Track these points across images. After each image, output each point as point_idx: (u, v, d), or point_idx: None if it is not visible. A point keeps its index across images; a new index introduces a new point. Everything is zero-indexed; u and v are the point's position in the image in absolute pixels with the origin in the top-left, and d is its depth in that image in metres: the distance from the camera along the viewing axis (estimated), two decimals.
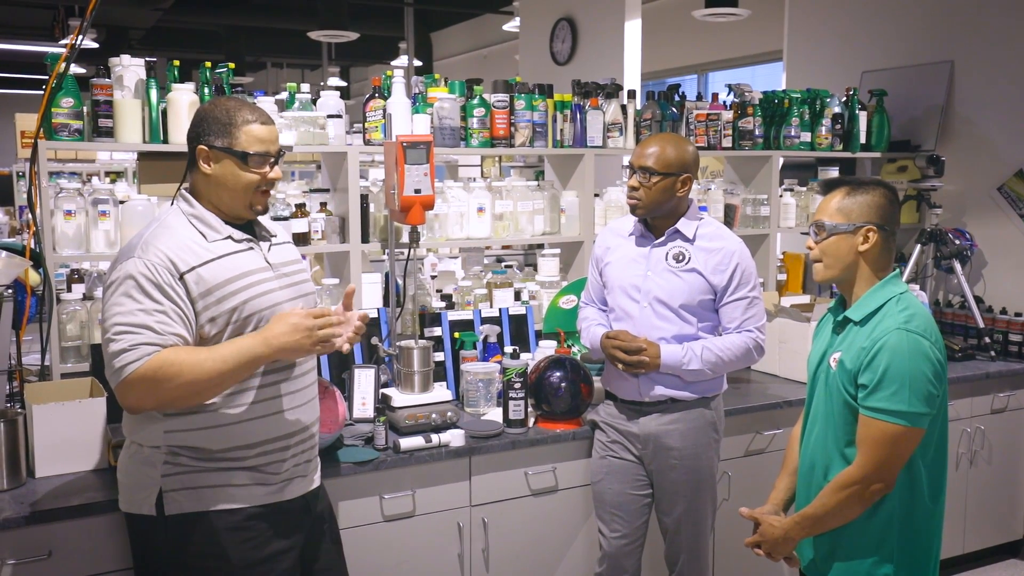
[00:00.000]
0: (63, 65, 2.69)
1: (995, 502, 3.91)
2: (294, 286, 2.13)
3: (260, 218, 2.16)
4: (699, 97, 4.04)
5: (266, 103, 3.03)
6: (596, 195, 3.71)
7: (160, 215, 2.09)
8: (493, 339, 3.20)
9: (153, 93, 2.84)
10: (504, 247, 5.20)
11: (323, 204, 3.35)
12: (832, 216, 2.10)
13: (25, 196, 2.94)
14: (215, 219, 2.04)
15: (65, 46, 2.76)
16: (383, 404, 2.77)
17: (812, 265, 2.18)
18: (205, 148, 2.02)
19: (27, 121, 5.97)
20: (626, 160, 4.11)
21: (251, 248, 2.07)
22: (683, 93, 3.92)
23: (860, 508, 2.03)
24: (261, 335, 1.93)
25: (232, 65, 3.05)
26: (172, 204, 2.09)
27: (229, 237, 2.04)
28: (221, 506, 1.99)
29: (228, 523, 2.00)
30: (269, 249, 2.12)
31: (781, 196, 4.13)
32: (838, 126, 4.21)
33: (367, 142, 3.22)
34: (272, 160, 2.06)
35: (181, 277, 1.94)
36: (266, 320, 2.00)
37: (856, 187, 2.11)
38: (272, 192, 2.15)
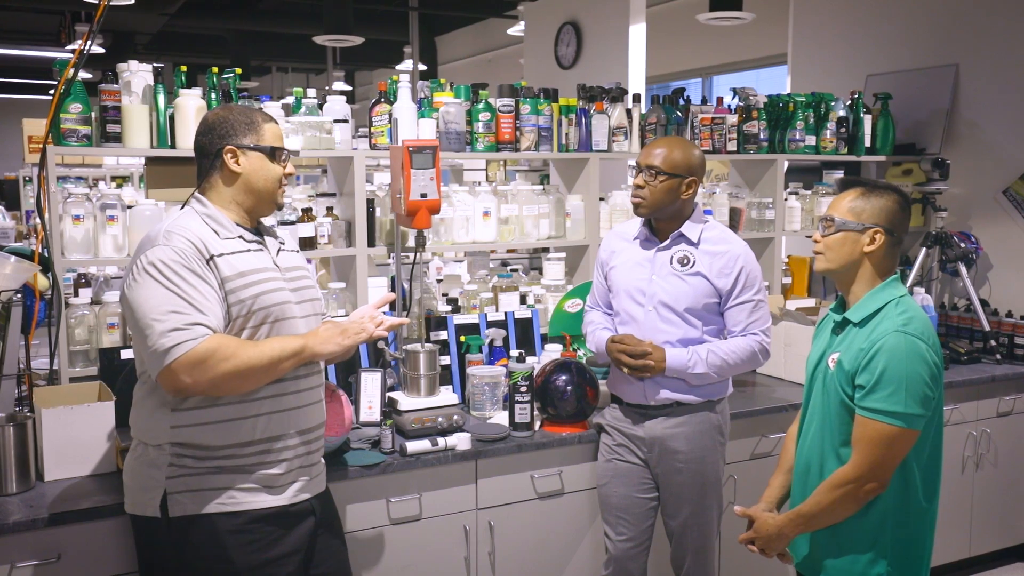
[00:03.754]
0: (71, 71, 2.71)
1: (1001, 505, 3.90)
2: (300, 291, 2.17)
3: (269, 226, 2.24)
4: (704, 101, 4.04)
5: (272, 108, 3.05)
6: (601, 199, 3.72)
7: (172, 215, 2.13)
8: (499, 343, 3.21)
9: (160, 98, 2.85)
10: (509, 251, 5.22)
11: (329, 208, 3.37)
12: (843, 213, 2.14)
13: (32, 201, 2.96)
14: (226, 219, 2.09)
15: (72, 51, 2.78)
16: (389, 408, 2.77)
17: (815, 256, 2.21)
18: (233, 148, 2.09)
19: (34, 126, 5.99)
20: (631, 163, 4.11)
21: (260, 249, 2.13)
22: (688, 97, 3.92)
23: (854, 507, 2.06)
24: (302, 335, 2.09)
25: (239, 70, 3.06)
26: (183, 207, 2.13)
27: (240, 236, 2.09)
28: (224, 509, 2.01)
29: (231, 526, 2.01)
30: (277, 252, 2.17)
31: (786, 199, 4.13)
32: (843, 129, 4.21)
33: (373, 146, 3.23)
34: (286, 155, 2.17)
35: (209, 261, 1.98)
36: (273, 317, 2.06)
37: (871, 189, 2.15)
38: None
